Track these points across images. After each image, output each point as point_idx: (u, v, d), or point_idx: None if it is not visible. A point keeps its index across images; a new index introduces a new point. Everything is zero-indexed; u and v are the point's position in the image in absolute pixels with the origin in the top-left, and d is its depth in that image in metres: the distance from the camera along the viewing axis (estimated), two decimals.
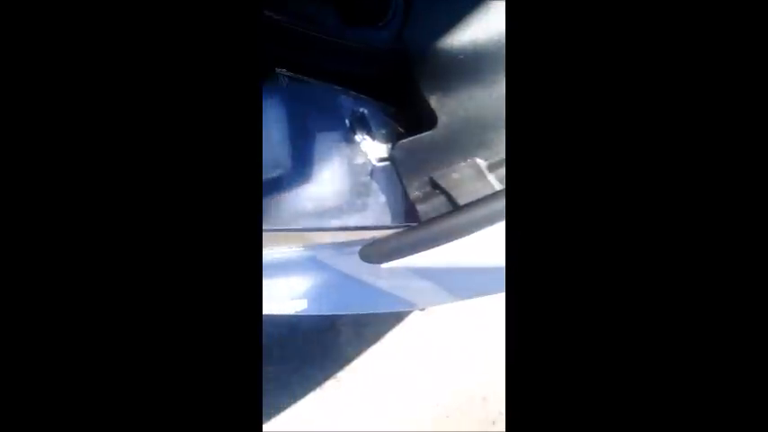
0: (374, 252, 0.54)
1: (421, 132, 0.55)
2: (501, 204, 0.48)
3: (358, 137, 0.59)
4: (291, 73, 0.59)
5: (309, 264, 0.59)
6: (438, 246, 0.52)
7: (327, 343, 1.17)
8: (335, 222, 0.57)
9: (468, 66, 0.55)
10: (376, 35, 0.58)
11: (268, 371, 1.12)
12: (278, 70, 0.59)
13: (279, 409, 1.11)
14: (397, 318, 1.20)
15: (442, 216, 0.52)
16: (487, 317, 1.17)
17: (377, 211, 0.57)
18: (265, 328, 1.16)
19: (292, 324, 1.17)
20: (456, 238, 0.50)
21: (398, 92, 0.59)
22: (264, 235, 0.56)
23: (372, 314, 1.18)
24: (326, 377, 1.15)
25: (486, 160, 0.53)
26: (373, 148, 0.58)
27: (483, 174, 0.52)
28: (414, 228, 0.53)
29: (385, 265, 0.54)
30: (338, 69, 0.59)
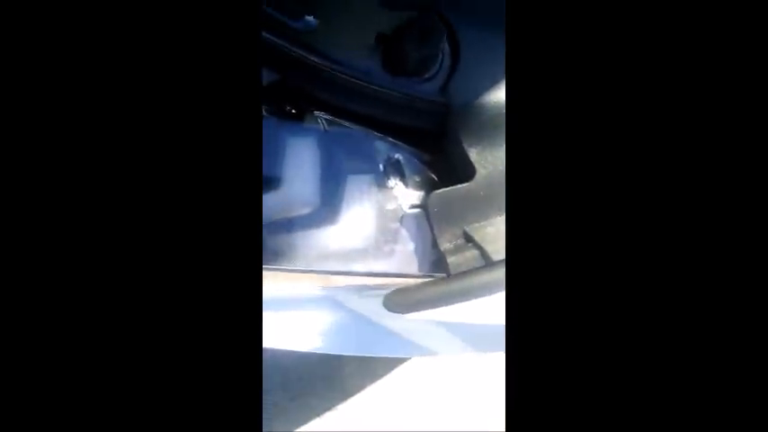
0: (399, 301, 0.53)
1: (457, 183, 0.54)
2: None
3: (391, 182, 0.57)
4: (331, 117, 0.59)
5: (326, 302, 0.57)
6: (467, 301, 0.50)
7: (330, 374, 1.14)
8: (360, 267, 0.55)
9: None
10: (420, 87, 0.57)
11: (268, 398, 1.08)
12: (317, 113, 0.58)
13: None
14: None
15: (473, 270, 0.50)
16: (497, 357, 1.15)
17: (404, 259, 0.56)
18: (267, 354, 1.14)
19: (295, 352, 1.14)
20: (487, 295, 0.49)
21: (438, 142, 0.58)
22: (285, 274, 0.55)
23: None
24: (327, 408, 1.11)
25: None
26: (406, 195, 0.57)
27: None
28: (443, 279, 0.51)
29: (409, 316, 0.52)
30: (378, 117, 0.59)
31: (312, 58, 0.55)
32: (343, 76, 0.56)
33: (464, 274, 0.50)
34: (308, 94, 0.58)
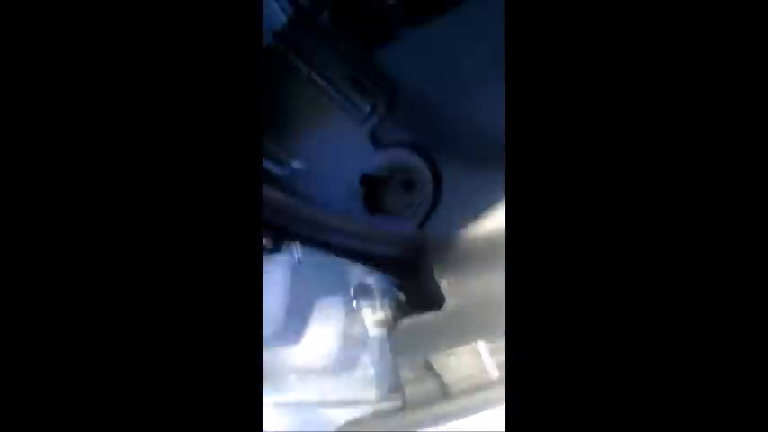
0: None
1: (427, 310, 0.52)
2: (493, 395, 0.43)
3: (359, 305, 0.55)
4: (306, 249, 0.58)
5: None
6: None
7: None
8: (317, 389, 0.52)
9: (485, 253, 0.53)
10: (398, 224, 0.57)
11: None
12: (292, 245, 0.58)
13: None
14: None
15: (427, 405, 0.47)
16: None
17: (362, 384, 0.52)
18: None
19: None
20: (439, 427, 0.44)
21: (410, 270, 0.57)
22: None
23: None
24: None
25: (489, 343, 0.49)
26: (372, 320, 0.55)
27: (482, 359, 0.47)
28: (395, 412, 0.48)
29: None
30: (353, 249, 0.58)
31: (295, 202, 0.56)
32: (320, 215, 0.56)
33: (417, 407, 0.47)
34: (286, 231, 0.58)
